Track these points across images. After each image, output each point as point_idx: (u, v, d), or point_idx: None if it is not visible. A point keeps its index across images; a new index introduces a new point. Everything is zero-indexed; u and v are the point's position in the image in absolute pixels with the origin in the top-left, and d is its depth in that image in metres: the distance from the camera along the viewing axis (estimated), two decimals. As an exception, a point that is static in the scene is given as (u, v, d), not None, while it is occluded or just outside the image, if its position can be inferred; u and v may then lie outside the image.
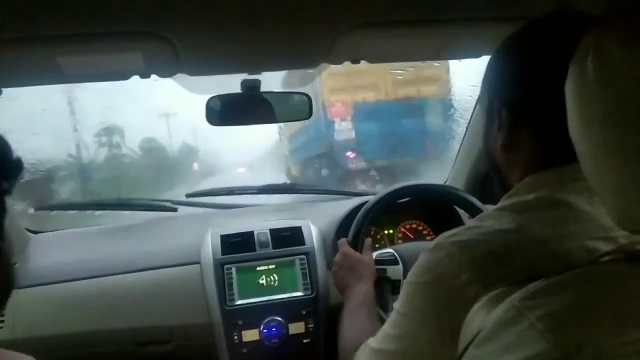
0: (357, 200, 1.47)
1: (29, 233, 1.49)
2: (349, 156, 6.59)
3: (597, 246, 0.54)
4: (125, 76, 0.96)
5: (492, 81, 0.70)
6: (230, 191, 1.69)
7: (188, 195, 1.65)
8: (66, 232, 1.56)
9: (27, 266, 1.33)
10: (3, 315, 1.20)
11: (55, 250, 1.43)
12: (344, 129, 6.51)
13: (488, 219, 0.62)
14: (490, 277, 0.54)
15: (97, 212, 1.64)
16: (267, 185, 1.75)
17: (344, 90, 6.48)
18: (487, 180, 1.67)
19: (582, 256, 0.53)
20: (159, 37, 0.83)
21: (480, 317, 0.50)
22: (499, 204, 0.66)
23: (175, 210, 1.60)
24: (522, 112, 0.64)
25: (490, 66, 0.71)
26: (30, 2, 0.69)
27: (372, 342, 0.70)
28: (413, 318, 0.62)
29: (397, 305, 0.66)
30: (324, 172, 6.83)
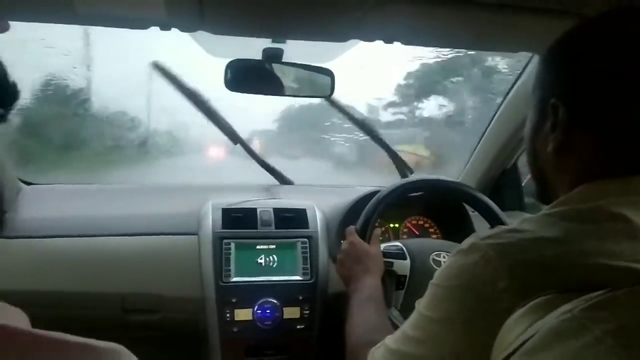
0: (364, 189, 1.42)
1: (22, 183, 1.42)
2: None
3: None
4: (144, 25, 0.89)
5: (549, 76, 0.63)
6: None
7: None
8: (61, 186, 1.50)
9: (15, 217, 1.26)
10: None
11: (47, 203, 1.37)
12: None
13: (532, 224, 0.56)
14: (530, 287, 0.49)
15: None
16: None
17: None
18: (499, 186, 1.62)
19: (633, 277, 0.47)
20: None
21: (522, 325, 0.45)
22: (546, 210, 0.60)
23: None
24: (583, 110, 0.58)
25: (547, 60, 0.65)
26: None
27: (390, 341, 0.65)
28: (438, 323, 0.57)
29: (420, 306, 0.61)
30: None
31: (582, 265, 0.50)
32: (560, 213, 0.56)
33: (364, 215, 1.15)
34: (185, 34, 0.96)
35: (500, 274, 0.51)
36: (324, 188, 1.68)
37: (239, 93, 1.11)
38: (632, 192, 0.54)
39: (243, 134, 1.54)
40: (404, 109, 3.16)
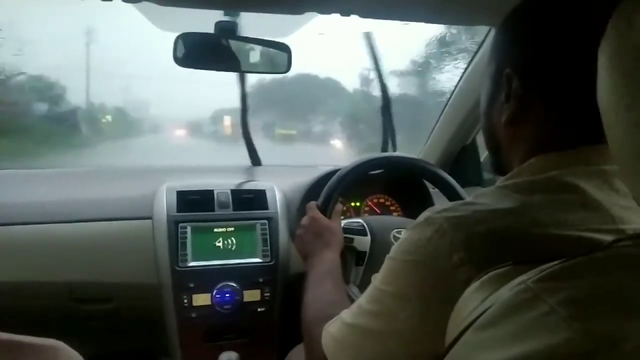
0: (325, 169, 1.40)
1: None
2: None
3: (602, 238, 0.48)
4: None
5: (504, 46, 0.62)
6: None
7: None
8: (2, 172, 1.40)
9: None
10: None
11: None
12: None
13: (486, 197, 0.56)
14: (485, 259, 0.48)
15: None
16: None
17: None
18: (459, 162, 1.63)
19: (585, 247, 0.47)
20: None
21: (477, 299, 0.44)
22: (500, 183, 0.59)
23: None
24: (536, 81, 0.57)
25: (503, 29, 0.64)
26: None
27: (346, 315, 0.64)
28: (394, 297, 0.56)
29: (376, 280, 0.60)
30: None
31: (535, 236, 0.49)
32: (514, 185, 0.56)
33: (326, 191, 1.13)
34: (129, 5, 0.90)
35: (456, 246, 0.51)
36: (286, 168, 1.65)
37: (190, 69, 1.06)
38: (584, 162, 0.54)
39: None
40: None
